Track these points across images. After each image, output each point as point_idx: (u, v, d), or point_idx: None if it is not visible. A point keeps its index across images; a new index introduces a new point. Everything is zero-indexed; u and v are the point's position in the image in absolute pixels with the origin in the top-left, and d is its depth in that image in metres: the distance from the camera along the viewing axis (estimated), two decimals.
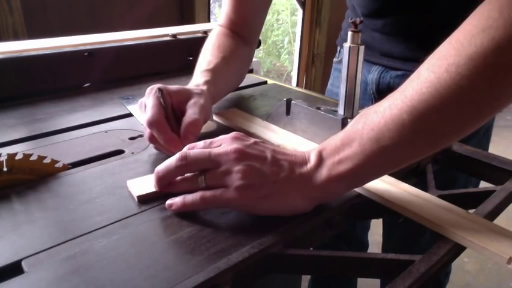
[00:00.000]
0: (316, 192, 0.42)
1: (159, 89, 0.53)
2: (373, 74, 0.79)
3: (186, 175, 0.44)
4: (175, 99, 0.54)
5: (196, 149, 0.44)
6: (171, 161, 0.43)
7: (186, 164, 0.42)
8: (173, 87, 0.55)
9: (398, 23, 0.73)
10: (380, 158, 0.39)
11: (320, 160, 0.42)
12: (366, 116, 0.40)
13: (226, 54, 0.67)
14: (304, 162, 0.43)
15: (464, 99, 0.36)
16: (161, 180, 0.44)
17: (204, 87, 0.59)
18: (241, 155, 0.41)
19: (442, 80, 0.36)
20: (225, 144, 0.43)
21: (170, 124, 0.51)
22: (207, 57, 0.66)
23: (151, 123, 0.50)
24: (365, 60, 0.82)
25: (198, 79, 0.61)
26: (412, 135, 0.38)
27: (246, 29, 0.73)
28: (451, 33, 0.38)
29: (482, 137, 0.79)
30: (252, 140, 0.44)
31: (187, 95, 0.55)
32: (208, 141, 0.45)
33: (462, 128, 0.38)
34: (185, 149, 0.44)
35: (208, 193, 0.41)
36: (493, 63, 0.34)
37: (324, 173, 0.41)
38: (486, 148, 0.82)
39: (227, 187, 0.41)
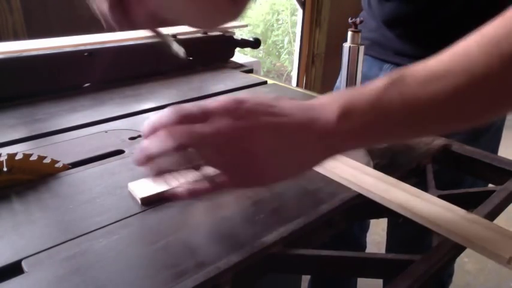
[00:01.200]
0: (324, 150, 0.38)
1: None
2: (385, 71, 0.79)
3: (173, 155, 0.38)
4: None
5: (180, 129, 0.38)
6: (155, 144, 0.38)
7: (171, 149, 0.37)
8: None
9: (413, 29, 0.73)
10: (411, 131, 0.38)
11: (344, 117, 0.37)
12: (403, 82, 0.37)
13: None
14: (315, 120, 0.37)
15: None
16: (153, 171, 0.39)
17: None
18: (230, 133, 0.37)
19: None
20: (213, 119, 0.38)
21: None
22: None
23: None
24: (377, 58, 0.83)
25: None
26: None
27: None
28: (463, 33, 0.38)
29: (493, 136, 0.79)
30: (246, 104, 0.38)
31: None
32: (195, 111, 0.39)
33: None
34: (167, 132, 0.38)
35: (211, 184, 0.38)
36: None
37: (345, 129, 0.37)
38: (496, 148, 0.82)
39: (224, 172, 0.38)
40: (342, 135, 0.37)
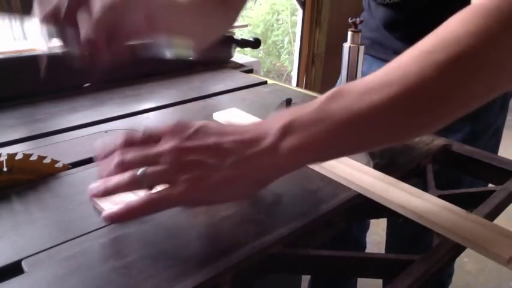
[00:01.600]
0: (272, 167, 0.39)
1: None
2: None
3: (123, 175, 0.39)
4: None
5: (131, 152, 0.39)
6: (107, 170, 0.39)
7: (123, 170, 0.39)
8: None
9: (411, 32, 0.74)
10: (352, 141, 0.38)
11: (288, 131, 0.38)
12: (343, 96, 0.38)
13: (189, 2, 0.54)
14: (260, 138, 0.38)
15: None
16: (101, 193, 0.40)
17: None
18: (179, 153, 0.38)
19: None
20: (163, 141, 0.39)
21: None
22: None
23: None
24: (377, 57, 0.83)
25: None
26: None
27: None
28: None
29: (491, 138, 0.79)
30: (193, 127, 0.39)
31: None
32: (146, 134, 0.41)
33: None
34: (119, 154, 0.39)
35: (155, 194, 0.38)
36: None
37: (289, 143, 0.37)
38: (495, 149, 0.82)
39: (172, 186, 0.38)
40: (285, 149, 0.37)
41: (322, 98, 0.38)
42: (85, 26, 0.42)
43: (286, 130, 0.37)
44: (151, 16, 0.47)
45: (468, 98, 0.36)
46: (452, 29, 0.37)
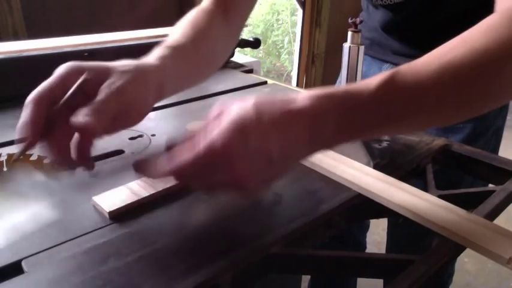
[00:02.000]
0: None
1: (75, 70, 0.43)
2: (385, 71, 0.79)
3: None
4: (94, 79, 0.43)
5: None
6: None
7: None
8: (92, 63, 0.45)
9: (408, 34, 0.74)
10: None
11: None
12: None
13: (199, 34, 0.55)
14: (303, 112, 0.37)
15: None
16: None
17: (155, 62, 0.47)
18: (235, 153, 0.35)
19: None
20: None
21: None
22: (175, 33, 0.54)
23: (28, 100, 0.41)
24: (377, 58, 0.83)
25: (153, 53, 0.49)
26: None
27: (231, 6, 0.62)
28: (458, 33, 0.40)
29: (491, 138, 0.79)
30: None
31: (106, 72, 0.43)
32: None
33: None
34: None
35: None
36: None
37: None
38: (495, 150, 0.82)
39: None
40: (326, 110, 0.37)
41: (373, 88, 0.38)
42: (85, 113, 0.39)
43: (318, 97, 0.37)
44: (161, 87, 0.47)
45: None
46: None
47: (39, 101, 0.40)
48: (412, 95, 0.38)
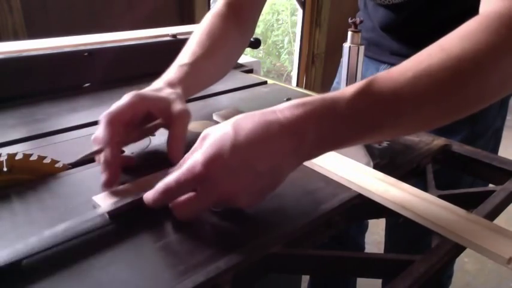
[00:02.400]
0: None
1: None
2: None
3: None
4: (155, 108, 0.51)
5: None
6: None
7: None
8: (150, 93, 0.52)
9: (408, 33, 0.74)
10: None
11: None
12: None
13: (215, 42, 0.62)
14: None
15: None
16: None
17: (178, 89, 0.55)
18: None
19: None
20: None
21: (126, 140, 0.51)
22: (191, 46, 0.62)
23: (95, 139, 0.48)
24: (374, 58, 0.83)
25: (172, 74, 0.58)
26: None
27: (245, 9, 0.69)
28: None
29: (490, 139, 0.79)
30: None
31: (167, 102, 0.52)
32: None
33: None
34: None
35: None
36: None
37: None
38: (495, 149, 0.81)
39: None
40: (303, 117, 0.38)
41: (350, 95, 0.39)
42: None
43: (299, 105, 0.39)
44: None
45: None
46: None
47: (115, 121, 0.47)
48: (388, 103, 0.38)
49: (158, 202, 0.40)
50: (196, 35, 0.64)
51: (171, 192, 0.39)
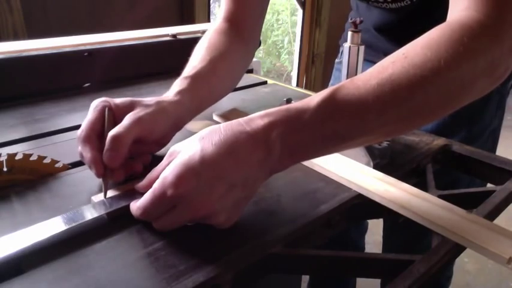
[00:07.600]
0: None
1: (104, 105, 0.49)
2: None
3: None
4: (119, 113, 0.49)
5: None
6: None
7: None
8: (119, 99, 0.51)
9: (401, 34, 0.73)
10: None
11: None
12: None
13: (216, 56, 0.60)
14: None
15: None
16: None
17: (174, 98, 0.53)
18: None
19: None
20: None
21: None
22: (193, 61, 0.60)
23: (78, 139, 0.47)
24: (369, 60, 0.82)
25: (173, 88, 0.55)
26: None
27: (245, 23, 0.68)
28: None
29: (487, 139, 0.79)
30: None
31: (132, 106, 0.49)
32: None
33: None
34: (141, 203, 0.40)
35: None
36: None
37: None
38: (493, 150, 0.81)
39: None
40: (269, 127, 0.39)
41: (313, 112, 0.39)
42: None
43: (265, 115, 0.40)
44: (180, 120, 0.53)
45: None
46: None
47: (90, 139, 0.47)
48: (353, 111, 0.39)
49: (140, 218, 0.40)
50: (196, 50, 0.62)
51: (149, 213, 0.40)
